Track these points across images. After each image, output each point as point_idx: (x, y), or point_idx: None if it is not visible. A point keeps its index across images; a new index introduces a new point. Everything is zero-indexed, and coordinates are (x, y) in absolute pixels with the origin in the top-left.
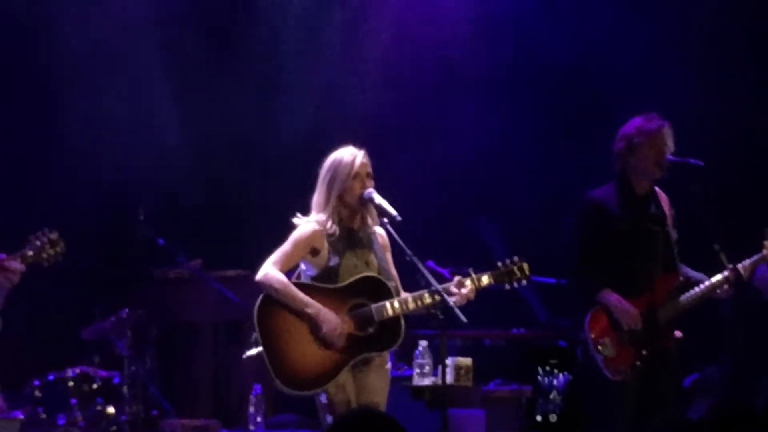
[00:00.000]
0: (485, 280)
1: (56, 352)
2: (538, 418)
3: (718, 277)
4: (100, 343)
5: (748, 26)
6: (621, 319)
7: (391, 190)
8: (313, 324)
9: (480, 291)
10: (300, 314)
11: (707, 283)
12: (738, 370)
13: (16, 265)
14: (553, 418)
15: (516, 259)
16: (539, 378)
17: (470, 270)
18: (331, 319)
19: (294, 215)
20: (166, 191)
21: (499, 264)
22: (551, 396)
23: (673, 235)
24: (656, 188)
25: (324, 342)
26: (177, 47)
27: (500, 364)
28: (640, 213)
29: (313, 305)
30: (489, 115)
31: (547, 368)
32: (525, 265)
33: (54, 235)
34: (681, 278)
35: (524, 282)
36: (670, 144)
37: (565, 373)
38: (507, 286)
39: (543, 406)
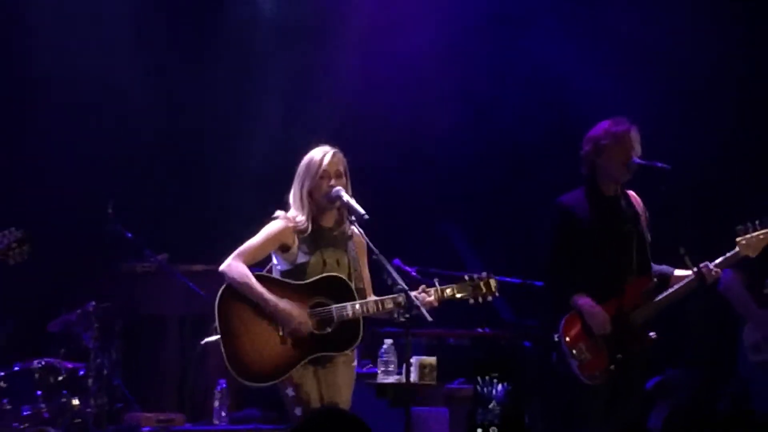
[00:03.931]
0: (449, 292)
1: (22, 343)
2: (479, 430)
3: (686, 280)
4: (66, 335)
5: (721, 31)
6: (591, 324)
7: (360, 187)
8: (273, 321)
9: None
10: (259, 309)
11: (677, 286)
12: (702, 375)
13: None
14: (493, 430)
15: (484, 274)
16: (478, 388)
17: (435, 281)
18: (290, 316)
19: (262, 211)
20: (134, 185)
21: (466, 277)
22: (491, 406)
23: (647, 236)
24: (628, 190)
25: (290, 337)
26: (150, 33)
27: (464, 363)
28: (611, 214)
29: (270, 301)
30: (459, 114)
31: (487, 378)
32: (492, 282)
33: (21, 234)
34: (654, 279)
35: (489, 298)
36: (638, 147)
37: (505, 383)
38: (471, 301)
39: (483, 416)
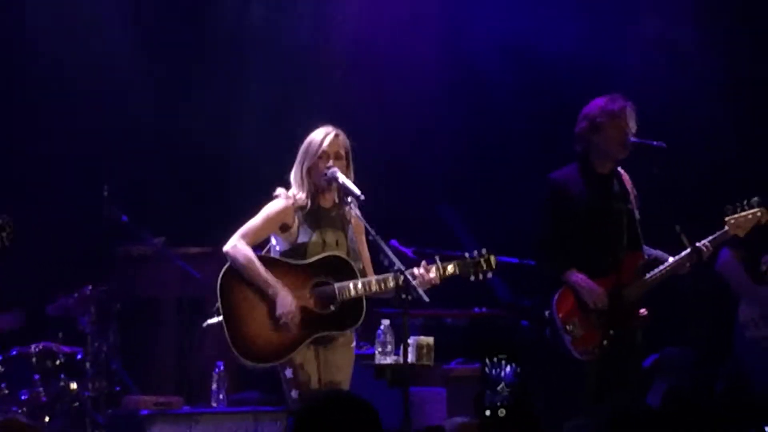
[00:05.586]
0: (450, 269)
1: (19, 328)
2: (487, 412)
3: (682, 254)
4: (64, 319)
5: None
6: (587, 299)
7: (357, 168)
8: (272, 304)
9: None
10: (261, 291)
11: (671, 260)
12: (699, 354)
13: None
14: (502, 412)
15: (484, 251)
16: (487, 369)
17: (436, 257)
18: (287, 303)
19: (259, 192)
20: (130, 168)
21: (466, 255)
22: (499, 388)
23: (637, 214)
24: (619, 168)
25: (277, 322)
26: (146, 22)
27: (462, 343)
28: (604, 192)
29: (274, 286)
30: (449, 101)
31: (495, 360)
32: (492, 258)
33: (2, 220)
34: (646, 257)
35: (489, 274)
36: (633, 125)
37: (513, 364)
38: (472, 277)
39: (491, 398)
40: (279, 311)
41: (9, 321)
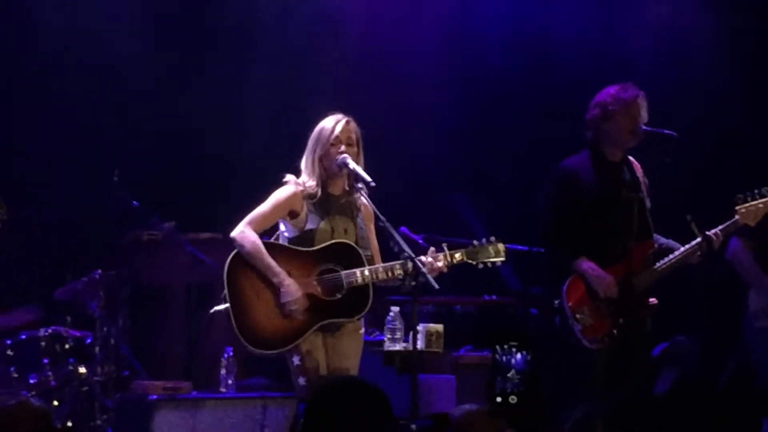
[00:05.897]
0: (458, 256)
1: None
2: (498, 399)
3: (692, 243)
4: (73, 303)
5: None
6: (597, 288)
7: (367, 155)
8: (278, 291)
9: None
10: (267, 278)
11: (681, 249)
12: (708, 343)
13: None
14: (513, 399)
15: (492, 238)
16: (497, 356)
17: (444, 245)
18: (292, 291)
19: (268, 178)
20: (141, 153)
21: (475, 242)
22: (510, 375)
23: (647, 203)
24: (629, 157)
25: (284, 310)
26: (152, 9)
27: (471, 330)
28: (614, 180)
29: (279, 275)
30: (459, 88)
31: (506, 347)
32: (500, 246)
33: None
34: (656, 245)
35: (498, 262)
36: (645, 114)
37: (524, 352)
38: (480, 265)
39: (502, 385)
40: (284, 299)
41: (26, 316)
